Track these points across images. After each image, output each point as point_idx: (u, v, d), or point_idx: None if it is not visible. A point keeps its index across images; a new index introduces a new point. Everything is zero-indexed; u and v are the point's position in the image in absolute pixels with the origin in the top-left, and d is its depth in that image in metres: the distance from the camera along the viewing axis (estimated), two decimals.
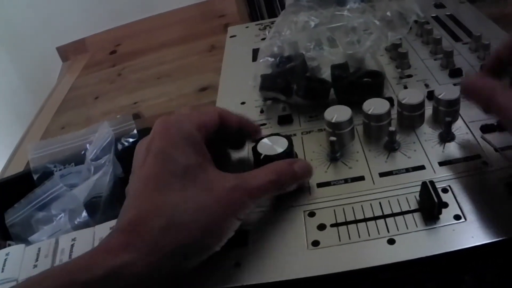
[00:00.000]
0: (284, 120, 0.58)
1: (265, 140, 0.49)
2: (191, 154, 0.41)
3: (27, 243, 0.57)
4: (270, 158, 0.46)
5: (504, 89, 0.40)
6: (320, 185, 0.47)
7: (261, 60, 0.61)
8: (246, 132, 0.50)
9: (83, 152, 0.70)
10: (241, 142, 0.54)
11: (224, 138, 0.50)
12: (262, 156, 0.47)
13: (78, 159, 0.70)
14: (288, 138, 0.49)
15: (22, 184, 0.67)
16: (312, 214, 0.44)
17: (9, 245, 0.60)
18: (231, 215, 0.40)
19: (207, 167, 0.42)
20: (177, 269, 0.38)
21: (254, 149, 0.48)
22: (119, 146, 0.70)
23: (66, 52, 1.45)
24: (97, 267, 0.35)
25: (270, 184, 0.42)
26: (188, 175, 0.40)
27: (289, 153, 0.48)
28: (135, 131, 0.72)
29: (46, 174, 0.68)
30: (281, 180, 0.44)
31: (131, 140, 0.71)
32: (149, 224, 0.37)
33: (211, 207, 0.39)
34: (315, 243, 0.41)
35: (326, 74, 0.59)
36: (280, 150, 0.47)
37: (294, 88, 0.57)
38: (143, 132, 0.71)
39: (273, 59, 0.60)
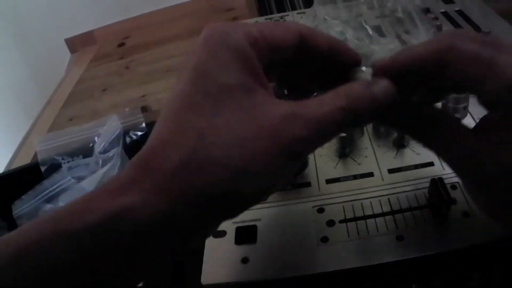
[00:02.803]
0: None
1: (364, 68, 0.36)
2: (235, 72, 0.31)
3: None
4: None
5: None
6: (329, 181, 0.47)
7: None
8: (341, 62, 0.36)
9: (91, 145, 0.70)
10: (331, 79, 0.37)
11: (309, 68, 0.37)
12: None
13: (86, 151, 0.70)
14: None
15: (30, 176, 0.67)
16: (321, 210, 0.44)
17: None
18: (281, 153, 0.29)
19: (256, 90, 0.31)
20: (198, 223, 0.29)
21: (346, 79, 0.36)
22: (128, 139, 0.70)
23: (75, 44, 1.45)
24: (91, 212, 0.27)
25: (339, 112, 0.31)
26: (226, 97, 0.30)
27: None
28: (143, 125, 0.72)
29: (54, 166, 0.68)
30: (355, 107, 0.31)
31: (139, 133, 0.71)
32: (162, 157, 0.29)
33: (251, 140, 0.29)
34: (324, 239, 0.41)
35: None
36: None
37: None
38: (152, 125, 0.71)
39: None
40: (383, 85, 0.33)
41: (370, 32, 0.62)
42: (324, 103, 0.31)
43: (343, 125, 0.32)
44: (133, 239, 0.28)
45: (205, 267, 0.41)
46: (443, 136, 0.33)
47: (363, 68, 0.36)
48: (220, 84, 0.30)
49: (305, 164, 0.48)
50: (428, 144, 0.35)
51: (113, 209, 0.27)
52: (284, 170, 0.31)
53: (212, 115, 0.29)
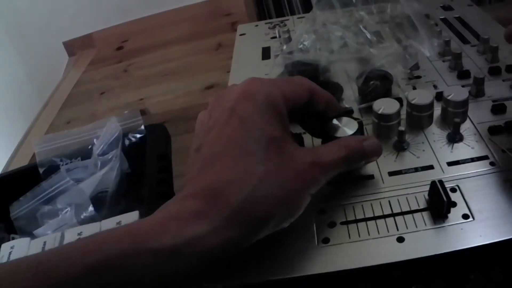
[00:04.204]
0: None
1: (334, 121, 0.47)
2: (276, 125, 0.39)
3: (32, 236, 0.56)
4: None
5: None
6: (330, 183, 0.47)
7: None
8: (331, 115, 0.47)
9: (90, 147, 0.70)
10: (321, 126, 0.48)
11: (308, 116, 0.47)
12: (333, 138, 0.45)
13: (84, 153, 0.70)
14: (359, 120, 0.47)
15: (28, 177, 0.67)
16: (322, 211, 0.44)
17: (13, 238, 0.60)
18: (306, 191, 0.38)
19: (289, 140, 0.40)
20: (245, 242, 0.36)
21: (323, 129, 0.47)
22: (126, 142, 0.70)
23: (73, 47, 1.45)
24: (167, 235, 0.33)
25: (340, 161, 0.41)
26: (271, 147, 0.38)
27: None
28: (142, 127, 0.71)
29: (52, 168, 0.68)
30: (350, 157, 0.42)
31: (138, 135, 0.71)
32: (227, 194, 0.35)
33: (291, 182, 0.37)
34: (325, 240, 0.41)
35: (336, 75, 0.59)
36: (349, 132, 0.45)
37: None
38: (150, 128, 0.71)
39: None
40: (371, 141, 0.44)
41: (369, 36, 0.62)
42: (331, 153, 0.41)
43: (340, 170, 0.41)
44: (203, 259, 0.34)
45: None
46: None
47: (334, 121, 0.47)
48: (268, 135, 0.38)
49: None
50: None
51: (188, 234, 0.33)
52: (306, 202, 0.39)
53: (264, 162, 0.37)
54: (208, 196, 0.35)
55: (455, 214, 0.41)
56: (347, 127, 0.46)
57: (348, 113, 0.49)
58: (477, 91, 0.55)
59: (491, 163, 0.46)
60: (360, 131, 0.46)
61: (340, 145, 0.42)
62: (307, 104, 0.44)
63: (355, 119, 0.47)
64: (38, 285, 0.31)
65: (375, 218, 0.42)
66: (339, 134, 0.46)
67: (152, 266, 0.33)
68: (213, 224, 0.34)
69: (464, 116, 0.51)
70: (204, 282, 0.40)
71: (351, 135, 0.45)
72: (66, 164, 0.69)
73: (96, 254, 0.32)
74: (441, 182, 0.41)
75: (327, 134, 0.46)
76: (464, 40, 0.69)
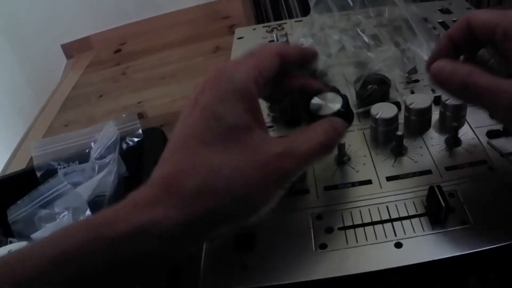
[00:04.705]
0: (291, 123, 0.58)
1: (315, 99, 0.45)
2: (240, 112, 0.37)
3: (30, 240, 0.57)
4: None
5: (480, 72, 0.37)
6: (327, 188, 0.47)
7: None
8: (306, 63, 0.45)
9: (87, 151, 0.70)
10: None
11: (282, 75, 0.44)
12: (319, 117, 0.43)
13: (82, 157, 0.70)
14: (340, 92, 0.45)
15: (25, 181, 0.67)
16: (319, 217, 0.44)
17: (11, 242, 0.60)
18: (274, 184, 0.36)
19: (255, 129, 0.37)
20: (207, 233, 0.36)
21: (308, 110, 0.45)
22: (124, 146, 0.70)
23: (71, 50, 1.45)
24: (122, 222, 0.33)
25: (320, 147, 0.39)
26: (232, 136, 0.36)
27: (348, 111, 0.45)
28: (140, 131, 0.71)
29: (50, 172, 0.68)
30: (329, 140, 0.40)
31: (136, 139, 0.71)
32: (181, 183, 0.34)
33: (251, 174, 0.35)
34: (323, 246, 0.41)
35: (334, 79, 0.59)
36: (336, 107, 0.44)
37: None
38: (148, 132, 0.71)
39: None
40: (336, 119, 0.42)
41: (367, 40, 0.62)
42: (309, 140, 0.38)
43: (320, 157, 0.39)
44: (160, 245, 0.33)
45: (204, 274, 0.41)
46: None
47: (315, 99, 0.45)
48: (228, 125, 0.36)
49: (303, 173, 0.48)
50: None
51: (143, 220, 0.33)
52: (274, 196, 0.37)
53: (222, 153, 0.35)
54: (163, 184, 0.35)
55: (453, 220, 0.41)
56: (332, 103, 0.44)
57: (326, 86, 0.46)
58: None
59: (489, 168, 0.46)
60: (346, 104, 0.44)
61: (318, 129, 0.40)
62: (282, 68, 0.42)
63: (336, 91, 0.46)
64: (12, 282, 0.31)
65: (372, 223, 0.42)
66: (324, 112, 0.44)
67: (109, 253, 0.32)
68: (168, 209, 0.34)
69: (462, 120, 0.51)
70: (201, 287, 0.40)
71: (339, 109, 0.44)
72: (64, 168, 0.69)
73: (58, 246, 0.32)
74: (439, 187, 0.41)
75: (312, 114, 0.44)
76: None
